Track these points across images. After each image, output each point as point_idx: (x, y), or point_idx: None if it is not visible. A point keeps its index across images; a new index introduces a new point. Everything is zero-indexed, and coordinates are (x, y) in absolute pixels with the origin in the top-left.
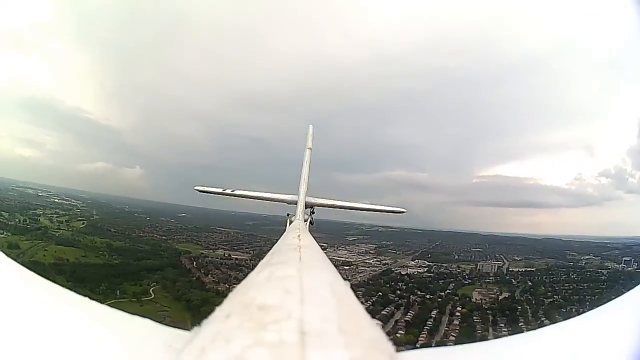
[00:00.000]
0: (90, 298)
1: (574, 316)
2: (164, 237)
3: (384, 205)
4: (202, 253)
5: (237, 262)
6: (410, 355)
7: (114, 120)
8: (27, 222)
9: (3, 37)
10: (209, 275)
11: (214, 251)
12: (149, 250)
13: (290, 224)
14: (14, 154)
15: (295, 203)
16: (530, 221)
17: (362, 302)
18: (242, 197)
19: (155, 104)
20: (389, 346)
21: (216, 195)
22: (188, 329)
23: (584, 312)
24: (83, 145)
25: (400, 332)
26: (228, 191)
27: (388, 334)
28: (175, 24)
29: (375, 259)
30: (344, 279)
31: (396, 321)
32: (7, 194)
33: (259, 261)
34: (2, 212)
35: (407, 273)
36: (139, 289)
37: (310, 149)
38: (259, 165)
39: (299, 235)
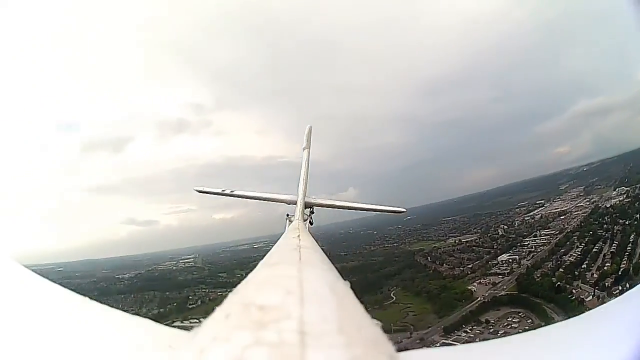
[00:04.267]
0: None
1: None
2: (395, 244)
3: (384, 205)
4: (435, 246)
5: (467, 244)
6: (410, 355)
7: (311, 155)
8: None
9: (167, 125)
10: (444, 265)
11: (445, 241)
12: (383, 260)
13: (290, 224)
14: (214, 220)
15: (295, 203)
16: None
17: (576, 247)
18: (241, 197)
19: (344, 125)
20: (389, 346)
21: (216, 195)
22: (188, 329)
23: None
24: (287, 188)
25: (607, 264)
26: (227, 191)
27: (598, 269)
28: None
29: (585, 200)
30: (344, 279)
31: (604, 255)
32: (220, 256)
33: (488, 238)
34: (218, 274)
35: (610, 205)
36: (379, 297)
37: (307, 149)
38: (465, 148)
39: (298, 236)
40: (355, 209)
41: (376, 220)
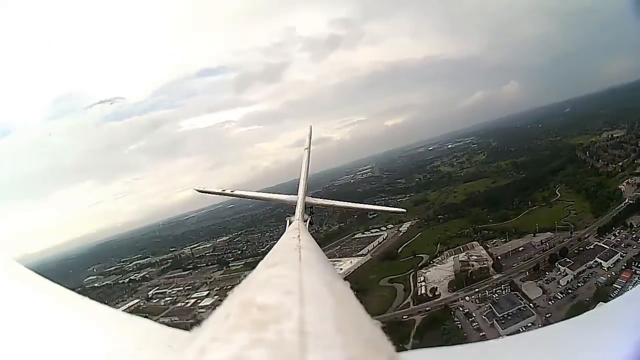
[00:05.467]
0: (503, 215)
1: None
2: (558, 137)
3: (383, 206)
4: (592, 141)
5: (617, 139)
6: (409, 355)
7: (468, 51)
8: (428, 176)
9: (320, 44)
10: (600, 160)
11: (600, 135)
12: (549, 154)
13: (289, 224)
14: (386, 127)
15: (295, 203)
16: None
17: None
18: (241, 197)
19: (492, 19)
20: (388, 346)
21: (216, 194)
22: (188, 329)
23: None
24: (454, 85)
25: None
26: (228, 191)
27: None
28: None
29: None
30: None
31: None
32: (397, 163)
33: (634, 134)
34: (397, 180)
35: None
36: (546, 194)
37: (308, 149)
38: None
39: (298, 236)
40: (355, 209)
41: (540, 114)
